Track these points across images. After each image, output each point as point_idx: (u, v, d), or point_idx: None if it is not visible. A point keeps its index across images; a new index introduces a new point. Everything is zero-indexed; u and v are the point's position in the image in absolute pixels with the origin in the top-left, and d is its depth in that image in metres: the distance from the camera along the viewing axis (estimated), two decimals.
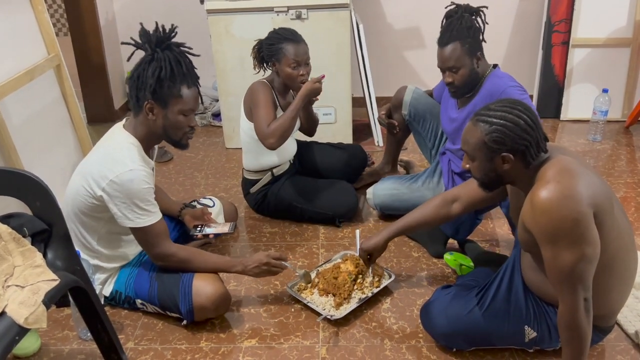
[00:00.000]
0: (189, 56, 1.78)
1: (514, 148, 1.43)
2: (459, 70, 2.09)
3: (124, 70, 3.98)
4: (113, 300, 1.94)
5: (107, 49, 3.70)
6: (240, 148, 2.53)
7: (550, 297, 1.58)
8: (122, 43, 1.80)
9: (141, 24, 1.76)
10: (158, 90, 1.70)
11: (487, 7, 2.18)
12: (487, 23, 2.15)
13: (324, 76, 2.29)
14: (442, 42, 2.10)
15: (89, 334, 1.76)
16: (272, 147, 2.24)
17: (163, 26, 1.74)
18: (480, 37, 2.12)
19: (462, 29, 2.07)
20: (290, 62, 2.26)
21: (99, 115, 3.75)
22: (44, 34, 2.58)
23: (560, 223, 1.34)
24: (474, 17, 2.13)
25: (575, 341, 1.42)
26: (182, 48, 1.76)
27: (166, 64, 1.69)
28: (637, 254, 1.57)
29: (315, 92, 2.25)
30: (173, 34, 1.75)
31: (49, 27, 2.58)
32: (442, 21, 2.18)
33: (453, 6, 2.17)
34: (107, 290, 1.93)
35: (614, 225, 1.43)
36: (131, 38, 1.76)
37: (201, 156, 3.26)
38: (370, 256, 1.98)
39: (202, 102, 1.94)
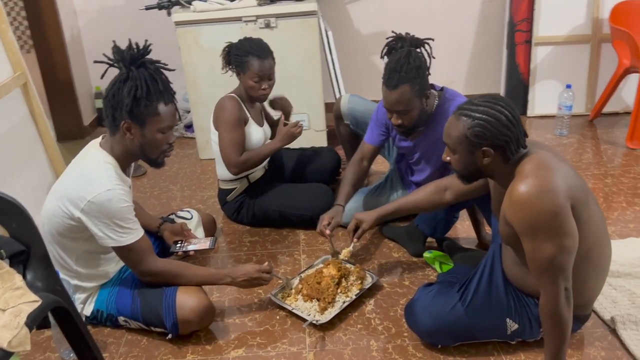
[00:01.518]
0: (164, 72, 1.75)
1: (494, 143, 1.46)
2: (408, 113, 2.00)
3: (91, 86, 3.93)
4: (95, 319, 1.91)
5: (74, 65, 3.64)
6: (214, 158, 2.52)
7: (530, 289, 1.62)
8: (95, 62, 1.74)
9: (114, 41, 1.72)
10: (135, 109, 1.67)
11: (433, 40, 2.04)
12: (433, 57, 2.03)
13: (282, 115, 2.49)
14: (391, 84, 1.95)
15: (72, 355, 1.73)
16: (233, 175, 2.40)
17: (137, 43, 1.70)
18: (427, 73, 2.00)
19: (411, 70, 1.93)
20: (253, 75, 2.32)
21: (69, 133, 3.69)
22: (9, 53, 2.54)
23: (539, 216, 1.38)
24: (419, 50, 2.00)
25: (557, 330, 1.45)
26: (157, 65, 1.73)
27: (142, 83, 1.66)
28: (610, 244, 1.62)
29: (293, 138, 2.40)
30: (147, 50, 1.72)
31: (13, 45, 2.54)
32: (383, 51, 2.06)
33: (394, 35, 2.04)
34: (88, 310, 1.90)
35: (590, 216, 1.48)
36: (104, 55, 1.72)
37: (175, 168, 3.24)
38: (357, 228, 2.04)
39: (180, 118, 1.92)
